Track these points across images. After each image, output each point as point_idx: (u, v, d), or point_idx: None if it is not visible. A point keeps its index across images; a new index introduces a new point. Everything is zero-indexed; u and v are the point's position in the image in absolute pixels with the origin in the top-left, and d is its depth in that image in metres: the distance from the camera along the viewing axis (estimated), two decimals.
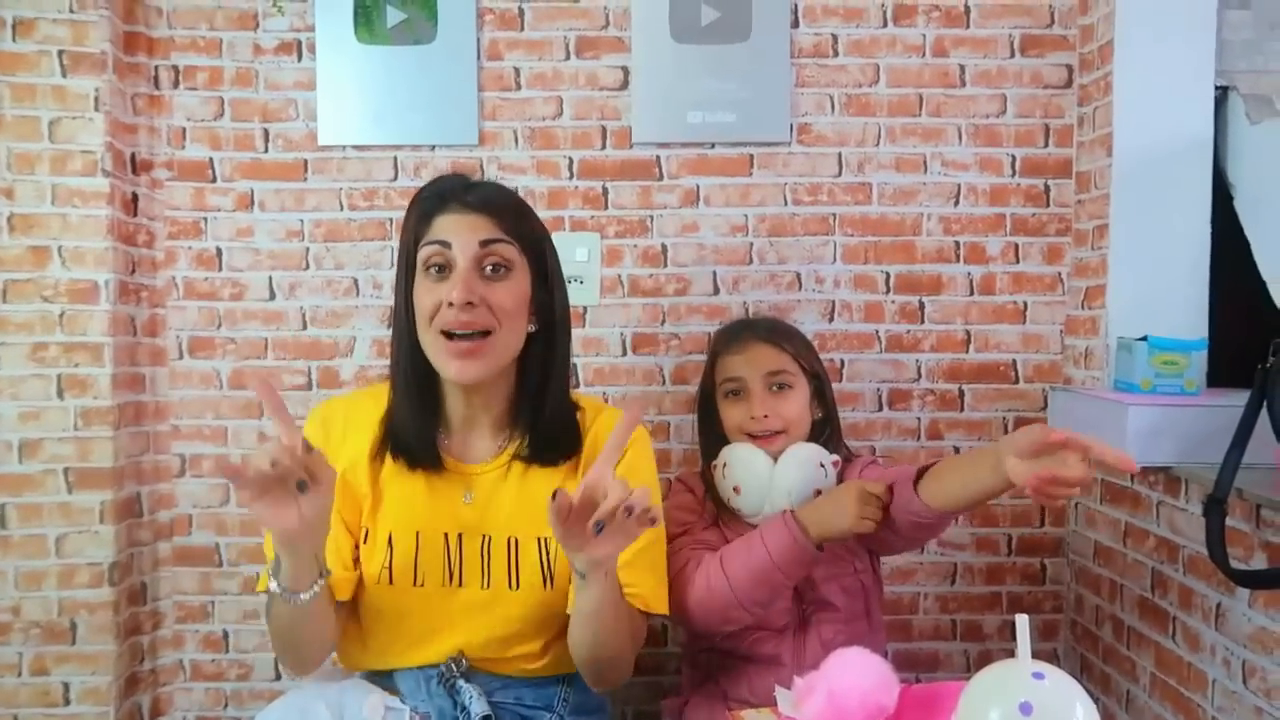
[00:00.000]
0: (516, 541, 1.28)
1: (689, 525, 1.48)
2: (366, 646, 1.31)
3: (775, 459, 1.46)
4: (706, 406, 1.58)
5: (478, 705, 1.23)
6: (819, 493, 1.46)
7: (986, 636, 1.90)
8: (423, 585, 1.26)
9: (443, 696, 1.26)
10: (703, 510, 1.52)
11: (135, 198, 1.80)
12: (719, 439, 1.54)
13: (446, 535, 1.27)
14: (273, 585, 1.10)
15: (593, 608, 1.15)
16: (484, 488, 1.29)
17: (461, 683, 1.25)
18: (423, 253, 1.23)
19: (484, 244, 1.22)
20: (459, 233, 1.22)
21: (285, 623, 1.16)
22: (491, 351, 1.23)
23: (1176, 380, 1.57)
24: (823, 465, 1.46)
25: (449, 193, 1.26)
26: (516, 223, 1.26)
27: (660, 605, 1.31)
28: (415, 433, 1.27)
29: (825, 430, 1.55)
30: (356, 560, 1.28)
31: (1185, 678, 1.46)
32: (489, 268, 1.22)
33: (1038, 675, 0.69)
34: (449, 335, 1.21)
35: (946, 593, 1.89)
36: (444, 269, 1.22)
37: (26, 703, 1.69)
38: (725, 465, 1.48)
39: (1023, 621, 0.71)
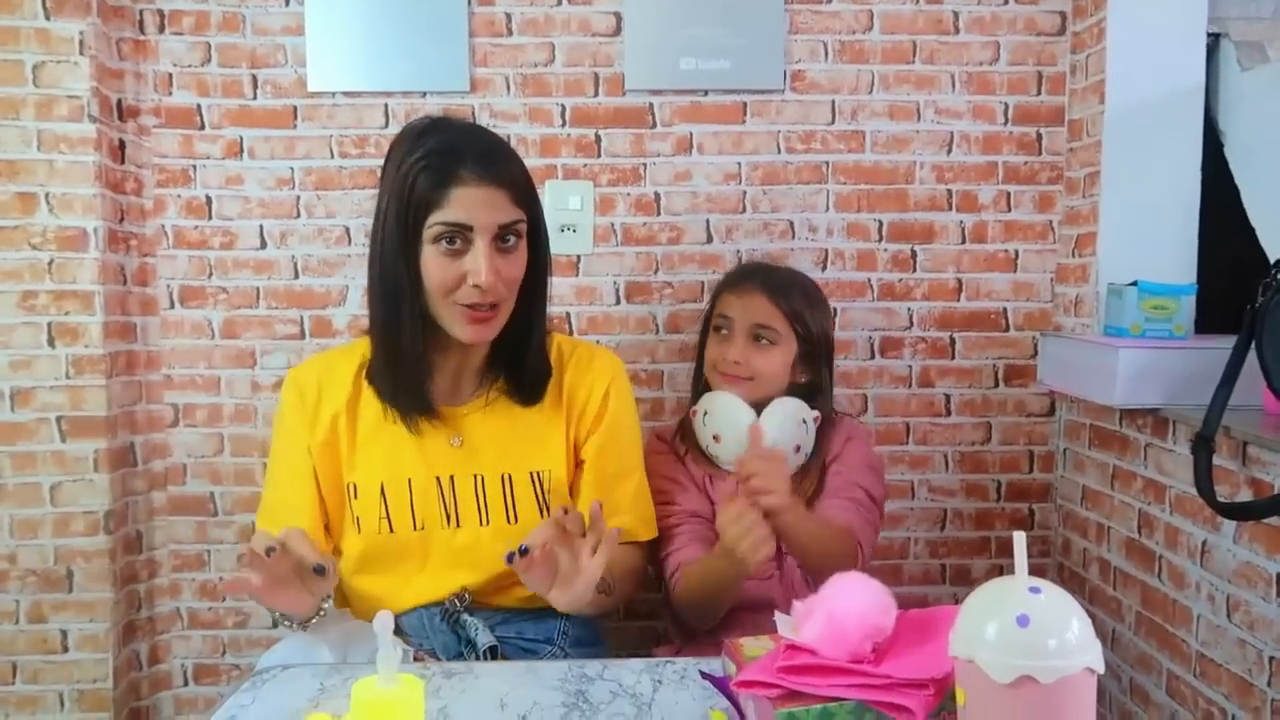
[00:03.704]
0: (510, 477, 1.31)
1: (669, 494, 1.50)
2: (370, 596, 1.33)
3: (758, 411, 1.46)
4: (703, 340, 1.60)
5: (484, 637, 1.25)
6: (798, 449, 1.48)
7: (975, 581, 1.92)
8: (423, 529, 1.28)
9: (447, 632, 1.28)
10: (683, 466, 1.54)
11: (123, 145, 1.78)
12: (701, 375, 1.58)
13: (439, 479, 1.29)
14: (285, 624, 1.18)
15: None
16: (470, 429, 1.31)
17: (466, 616, 1.27)
18: (435, 229, 1.19)
19: (502, 227, 1.21)
20: (478, 214, 1.19)
21: None
22: (502, 316, 1.26)
23: (1166, 325, 1.59)
24: (804, 421, 1.48)
25: (462, 156, 1.20)
26: (525, 191, 1.25)
27: (648, 532, 1.38)
28: (414, 391, 1.27)
29: (812, 397, 1.54)
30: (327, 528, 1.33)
31: (1170, 615, 1.49)
32: (501, 240, 1.22)
33: (1034, 590, 0.70)
34: (466, 305, 1.22)
35: (936, 538, 1.92)
36: (455, 241, 1.20)
37: (25, 649, 1.70)
38: (706, 414, 1.49)
39: (1020, 539, 0.72)
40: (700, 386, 1.59)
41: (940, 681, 0.77)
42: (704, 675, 1.01)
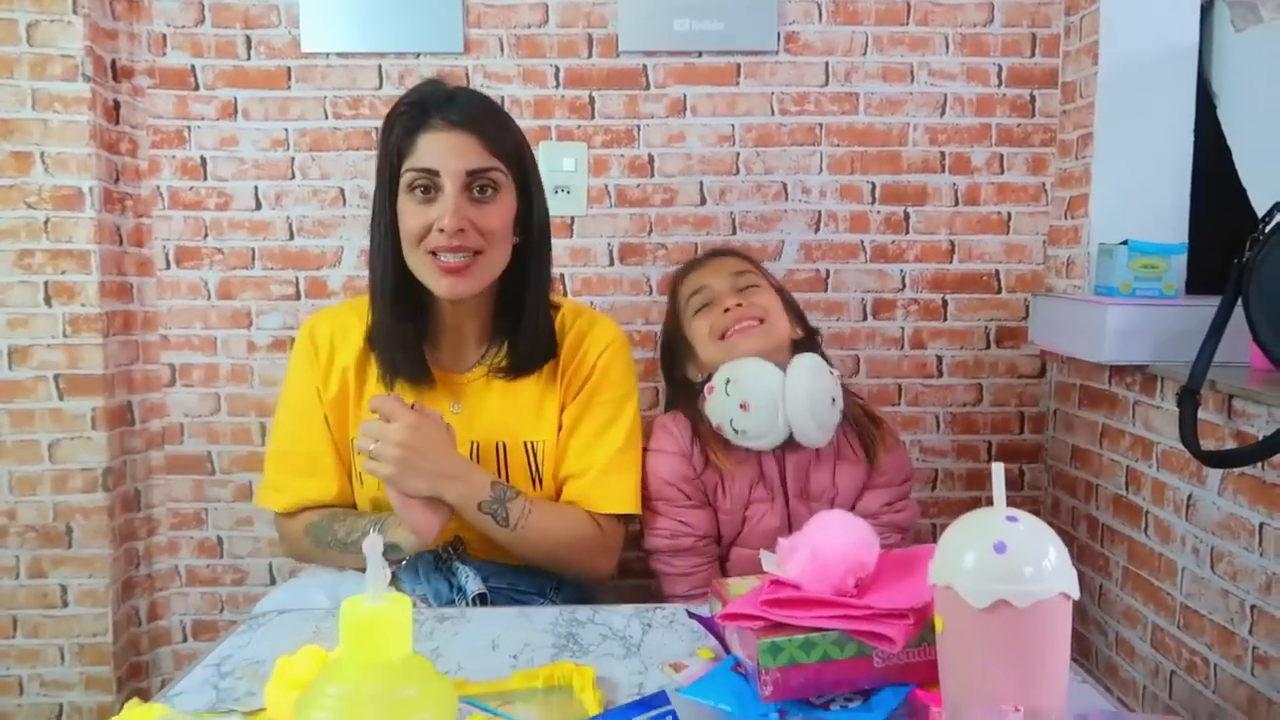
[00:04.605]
0: (504, 446, 1.32)
1: (682, 512, 1.43)
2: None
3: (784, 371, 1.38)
4: (672, 346, 1.53)
5: (473, 585, 1.26)
6: (834, 401, 1.40)
7: None
8: None
9: (439, 579, 1.29)
10: (693, 470, 1.43)
11: (117, 105, 1.78)
12: (688, 383, 1.50)
13: None
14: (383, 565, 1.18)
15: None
16: (471, 397, 1.32)
17: (458, 564, 1.29)
18: (407, 176, 1.21)
19: (471, 173, 1.21)
20: (446, 158, 1.20)
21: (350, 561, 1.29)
22: (480, 269, 1.24)
23: (1155, 284, 1.59)
24: (831, 372, 1.42)
25: (431, 106, 1.22)
26: (501, 140, 1.25)
27: (612, 505, 1.34)
28: (402, 349, 1.28)
29: (814, 350, 1.48)
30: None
31: (1156, 568, 1.51)
32: (476, 190, 1.22)
33: (1012, 519, 0.72)
34: (436, 254, 1.21)
35: (927, 498, 1.93)
36: (430, 190, 1.21)
37: (25, 604, 1.72)
38: (728, 382, 1.38)
39: (998, 470, 0.74)
40: (683, 390, 1.51)
41: (920, 611, 0.79)
42: (691, 615, 1.03)
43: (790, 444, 1.41)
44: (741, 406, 1.36)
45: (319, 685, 0.59)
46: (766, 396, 1.36)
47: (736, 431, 1.39)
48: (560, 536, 1.30)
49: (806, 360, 1.41)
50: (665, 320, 1.58)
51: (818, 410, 1.37)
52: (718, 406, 1.39)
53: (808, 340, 1.53)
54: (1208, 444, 1.34)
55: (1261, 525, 1.25)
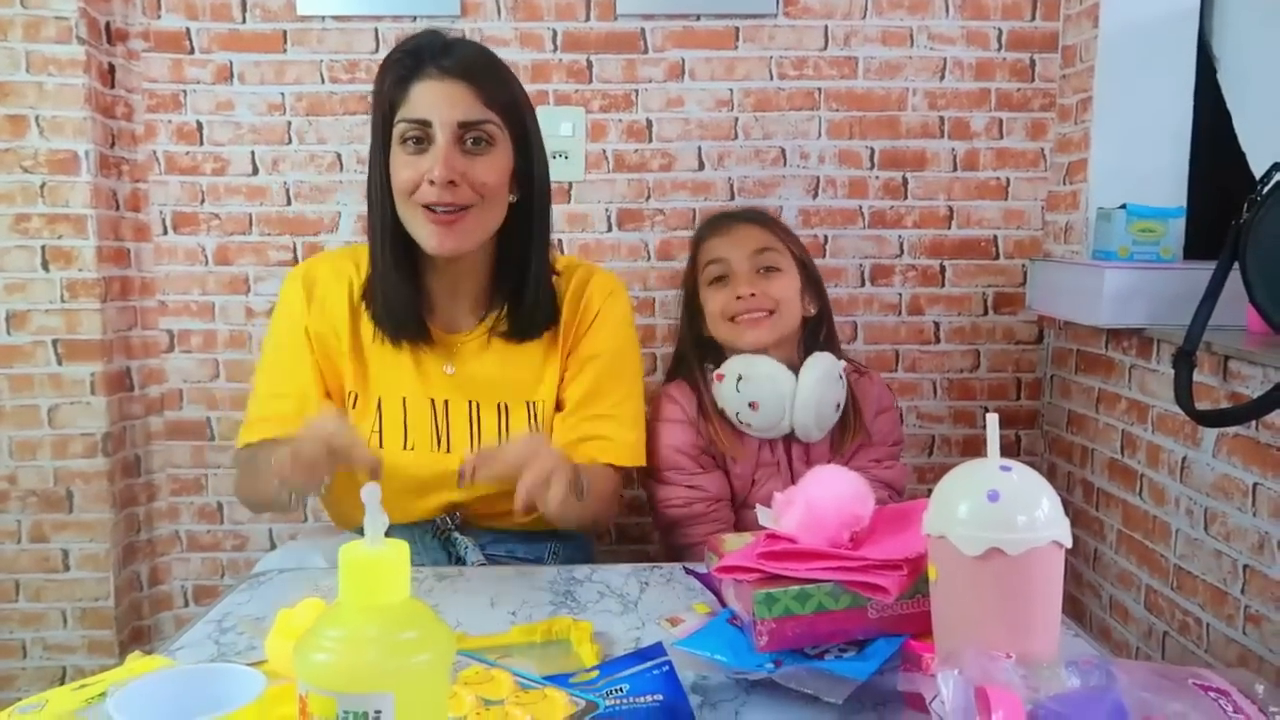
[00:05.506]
0: (506, 407, 1.31)
1: (694, 477, 1.43)
2: (359, 504, 1.34)
3: (795, 372, 1.40)
4: (691, 306, 1.52)
5: (473, 555, 1.26)
6: (838, 406, 1.43)
7: None
8: (412, 449, 1.28)
9: (437, 549, 1.29)
10: (703, 441, 1.45)
11: (112, 69, 1.77)
12: (706, 341, 1.50)
13: (433, 401, 1.29)
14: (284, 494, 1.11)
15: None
16: (465, 358, 1.30)
17: (456, 535, 1.28)
18: (399, 127, 1.19)
19: (464, 125, 1.18)
20: (438, 108, 1.17)
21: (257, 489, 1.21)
22: (472, 224, 1.21)
23: (1153, 248, 1.59)
24: (840, 377, 1.43)
25: (426, 55, 1.19)
26: (497, 91, 1.22)
27: (632, 459, 1.33)
28: (399, 306, 1.26)
29: (821, 329, 1.51)
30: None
31: (1150, 531, 1.52)
32: (470, 141, 1.19)
33: (1005, 468, 0.72)
34: (429, 207, 1.19)
35: (924, 464, 1.94)
36: (422, 141, 1.18)
37: (27, 568, 1.74)
38: (740, 379, 1.40)
39: (993, 421, 0.74)
40: (684, 365, 1.51)
41: (914, 562, 0.80)
42: (688, 571, 1.04)
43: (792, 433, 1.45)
44: (750, 405, 1.40)
45: (318, 629, 0.60)
46: (776, 399, 1.39)
47: (742, 423, 1.42)
48: (604, 492, 1.28)
49: (819, 368, 1.41)
50: (685, 274, 1.55)
51: (822, 417, 1.42)
52: (727, 398, 1.42)
53: (817, 319, 1.51)
54: (1203, 405, 1.34)
55: (1255, 486, 1.26)
